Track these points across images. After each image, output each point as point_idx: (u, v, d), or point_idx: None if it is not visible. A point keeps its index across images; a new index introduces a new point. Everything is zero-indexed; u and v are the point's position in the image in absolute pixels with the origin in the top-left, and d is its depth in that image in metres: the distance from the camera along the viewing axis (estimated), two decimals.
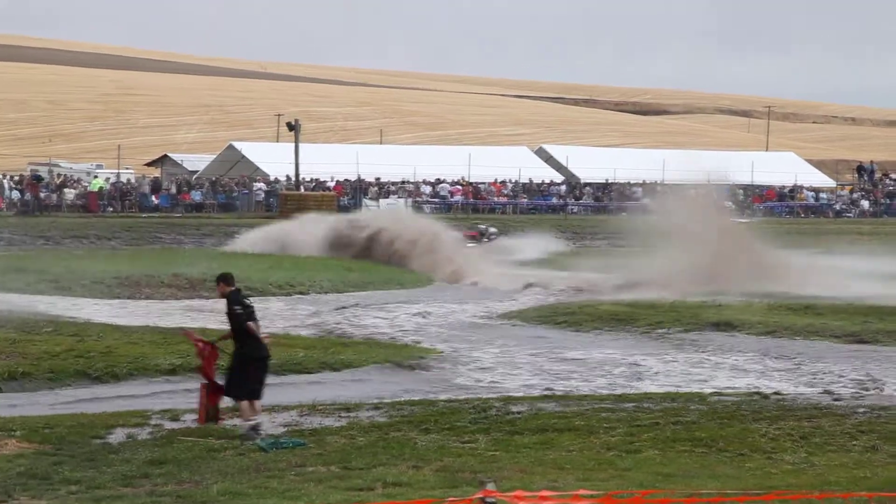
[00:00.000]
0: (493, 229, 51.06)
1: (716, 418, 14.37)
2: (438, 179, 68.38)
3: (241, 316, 13.37)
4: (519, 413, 14.68)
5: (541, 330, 24.51)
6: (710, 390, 16.84)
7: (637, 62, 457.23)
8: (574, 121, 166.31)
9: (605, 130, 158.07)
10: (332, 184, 64.62)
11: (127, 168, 71.49)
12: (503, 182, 70.54)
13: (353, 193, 63.99)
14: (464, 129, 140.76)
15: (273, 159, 66.41)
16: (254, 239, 41.44)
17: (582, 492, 7.97)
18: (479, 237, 48.77)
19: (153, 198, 59.16)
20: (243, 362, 13.41)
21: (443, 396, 16.04)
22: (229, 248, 41.14)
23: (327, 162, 66.68)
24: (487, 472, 11.27)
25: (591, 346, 22.05)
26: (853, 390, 16.74)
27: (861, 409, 14.90)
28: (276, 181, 62.82)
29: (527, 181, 71.41)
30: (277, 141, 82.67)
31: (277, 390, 15.27)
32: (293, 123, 61.25)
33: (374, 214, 50.76)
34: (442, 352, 20.98)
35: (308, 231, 40.88)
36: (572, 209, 69.82)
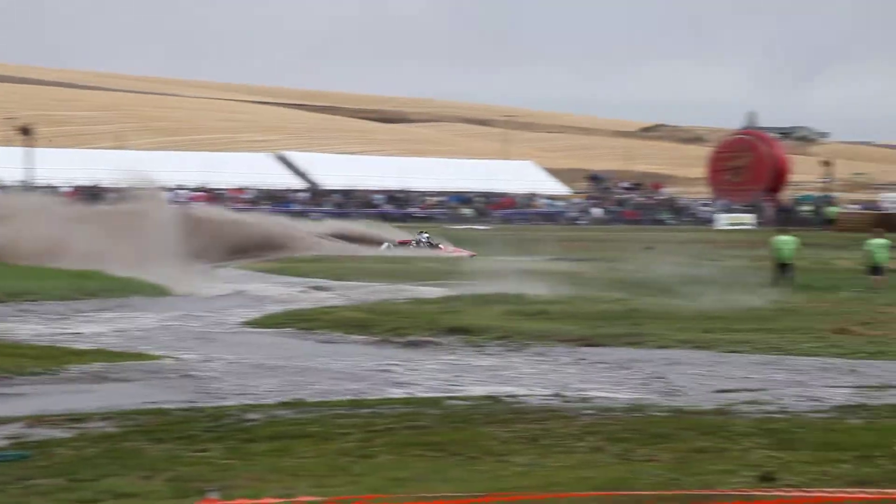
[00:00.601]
0: (424, 235, 52.09)
1: (450, 422, 14.57)
2: (179, 186, 67.48)
3: None
4: (254, 421, 14.58)
5: (279, 336, 24.40)
6: (448, 395, 17.04)
7: (380, 70, 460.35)
8: (317, 128, 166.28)
9: (348, 137, 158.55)
10: (67, 189, 63.02)
11: None
12: (244, 188, 70.11)
13: (89, 199, 62.61)
14: (205, 135, 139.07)
15: (4, 164, 64.43)
16: None
17: (304, 498, 7.96)
18: (411, 244, 50.15)
19: None
20: None
21: (176, 405, 15.79)
22: None
23: (63, 167, 65.07)
24: (221, 480, 11.15)
25: (331, 352, 22.06)
26: (580, 393, 17.18)
27: (588, 411, 15.35)
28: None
29: (269, 188, 71.20)
30: (10, 145, 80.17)
31: (1, 401, 14.78)
32: (26, 127, 59.49)
33: None
34: (175, 360, 20.65)
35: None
36: (314, 215, 69.90)
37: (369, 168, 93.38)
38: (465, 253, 50.11)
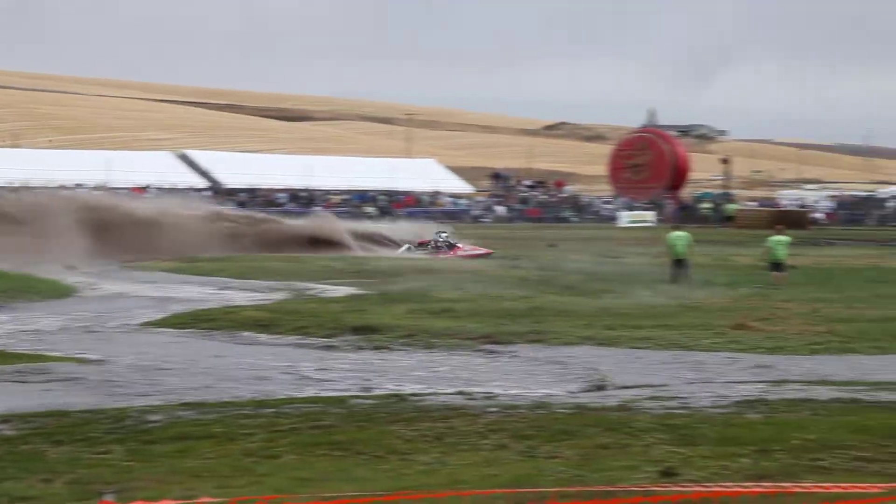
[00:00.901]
0: (443, 234, 51.47)
1: (354, 421, 14.54)
2: (78, 185, 66.63)
3: None
4: (156, 422, 14.43)
5: (183, 337, 24.18)
6: (353, 394, 17.00)
7: (282, 68, 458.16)
8: (219, 126, 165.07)
9: (251, 136, 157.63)
10: None
11: None
12: (145, 188, 69.45)
13: None
14: (105, 133, 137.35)
15: None
16: None
17: (205, 499, 7.91)
18: (430, 244, 49.93)
19: None
20: None
21: (77, 407, 15.58)
22: None
23: None
24: (122, 482, 11.04)
25: (235, 352, 21.91)
26: (485, 390, 17.23)
27: (492, 409, 15.40)
28: None
29: (170, 187, 70.61)
30: None
31: None
32: None
33: None
34: (75, 361, 20.37)
35: None
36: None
37: (272, 166, 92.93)
38: (483, 251, 50.25)
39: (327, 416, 14.83)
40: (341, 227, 53.52)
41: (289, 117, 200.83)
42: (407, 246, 51.15)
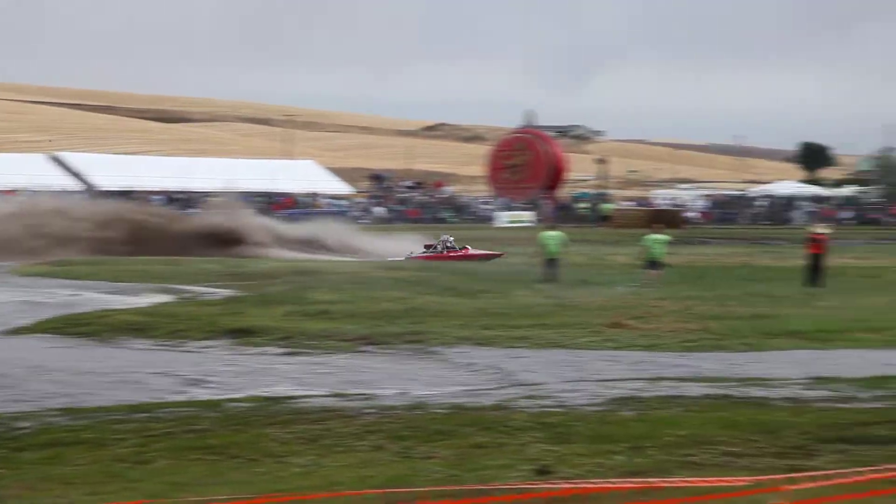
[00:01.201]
0: (449, 238, 51.29)
1: (229, 425, 14.43)
2: None
3: None
4: (25, 429, 14.17)
5: (53, 342, 23.75)
6: (228, 397, 16.85)
7: (159, 70, 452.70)
8: (95, 128, 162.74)
9: (128, 137, 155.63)
10: None
11: None
12: (16, 190, 68.22)
13: None
14: None
15: None
16: None
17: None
18: (435, 247, 49.61)
19: None
20: None
21: None
22: None
23: None
24: None
25: (107, 357, 21.59)
26: (362, 392, 17.20)
27: (369, 410, 15.39)
28: None
29: (42, 189, 69.41)
30: None
31: None
32: None
33: None
34: None
35: None
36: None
37: (148, 168, 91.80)
38: (493, 253, 50.18)
39: (202, 420, 14.69)
40: (255, 222, 52.74)
41: (166, 119, 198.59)
42: (410, 252, 51.08)
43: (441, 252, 50.11)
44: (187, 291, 33.98)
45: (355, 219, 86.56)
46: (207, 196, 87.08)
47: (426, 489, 9.32)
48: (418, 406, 15.81)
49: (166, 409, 15.56)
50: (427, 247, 51.47)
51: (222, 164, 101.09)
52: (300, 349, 22.32)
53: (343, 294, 31.30)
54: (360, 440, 13.51)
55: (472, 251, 50.33)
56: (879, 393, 17.18)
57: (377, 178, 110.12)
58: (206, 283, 36.11)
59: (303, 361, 20.97)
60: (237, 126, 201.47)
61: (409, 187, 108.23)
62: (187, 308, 28.86)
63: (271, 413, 15.18)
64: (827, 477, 6.83)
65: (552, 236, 37.13)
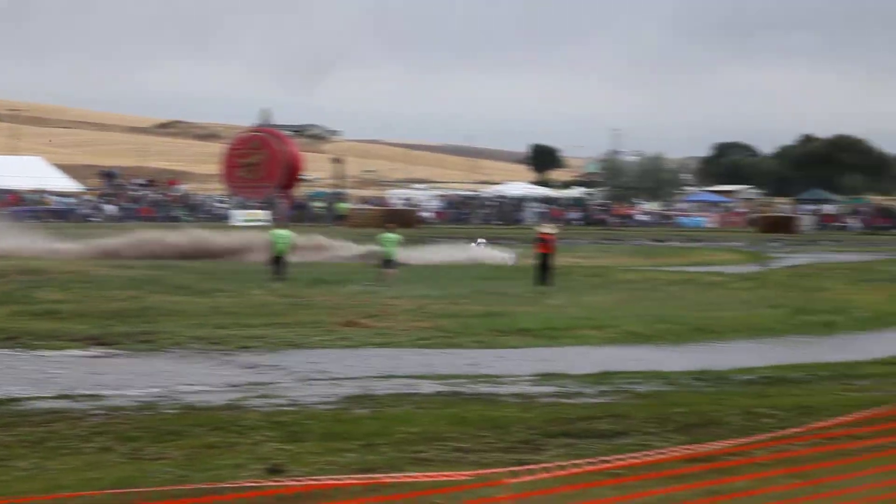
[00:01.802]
0: (482, 241, 51.15)
1: None
2: None
3: None
4: None
5: None
6: None
7: None
8: None
9: None
10: None
11: None
12: None
13: None
14: None
15: None
16: None
17: None
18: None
19: None
20: None
21: None
22: None
23: None
24: None
25: None
26: (90, 393, 16.80)
27: (97, 412, 15.04)
28: None
29: None
30: None
31: None
32: None
33: None
34: None
35: None
36: None
37: None
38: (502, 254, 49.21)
39: None
40: None
41: None
42: (480, 241, 50.79)
43: None
44: None
45: (84, 217, 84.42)
46: None
47: (156, 489, 9.16)
48: (148, 406, 15.54)
49: None
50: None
51: None
52: (27, 349, 21.67)
53: (72, 293, 30.51)
54: (86, 442, 13.19)
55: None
56: (603, 388, 17.77)
57: (108, 175, 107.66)
58: None
59: (28, 363, 20.35)
60: None
61: (141, 185, 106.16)
62: None
63: None
64: (547, 470, 7.04)
65: (281, 235, 37.27)
